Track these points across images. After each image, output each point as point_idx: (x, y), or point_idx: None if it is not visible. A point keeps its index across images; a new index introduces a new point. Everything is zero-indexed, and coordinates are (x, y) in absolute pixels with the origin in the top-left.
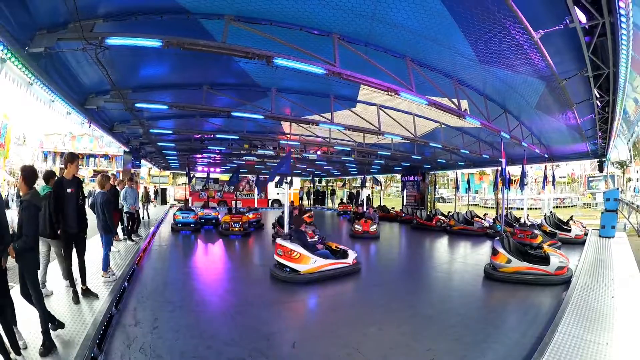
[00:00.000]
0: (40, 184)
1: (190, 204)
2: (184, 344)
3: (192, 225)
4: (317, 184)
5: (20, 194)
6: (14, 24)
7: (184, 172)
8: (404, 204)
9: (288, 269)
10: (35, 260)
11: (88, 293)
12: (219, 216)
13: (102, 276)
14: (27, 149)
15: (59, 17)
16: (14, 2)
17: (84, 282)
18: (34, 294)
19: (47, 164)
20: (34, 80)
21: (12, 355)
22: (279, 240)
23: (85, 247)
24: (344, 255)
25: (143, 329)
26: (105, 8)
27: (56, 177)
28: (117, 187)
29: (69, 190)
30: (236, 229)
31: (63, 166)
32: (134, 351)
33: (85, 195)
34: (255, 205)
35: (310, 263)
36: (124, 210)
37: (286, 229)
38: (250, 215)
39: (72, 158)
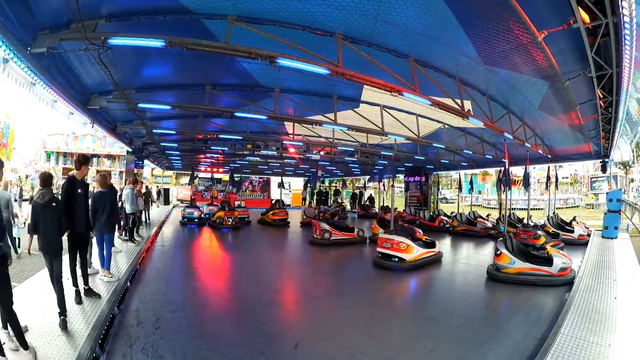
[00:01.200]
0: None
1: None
2: (186, 344)
3: (197, 220)
4: (320, 184)
5: None
6: (17, 24)
7: (187, 173)
8: (407, 204)
9: (396, 259)
10: (43, 246)
11: (90, 293)
12: None
13: (105, 275)
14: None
15: (61, 17)
16: (16, 2)
17: (86, 282)
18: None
19: (49, 164)
20: (36, 80)
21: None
22: (383, 235)
23: (87, 248)
24: (433, 245)
25: (145, 329)
26: (108, 8)
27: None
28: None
29: (79, 190)
30: (229, 223)
31: (74, 166)
32: (136, 351)
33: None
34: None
35: (414, 252)
36: (128, 211)
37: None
38: (236, 212)
39: (85, 160)
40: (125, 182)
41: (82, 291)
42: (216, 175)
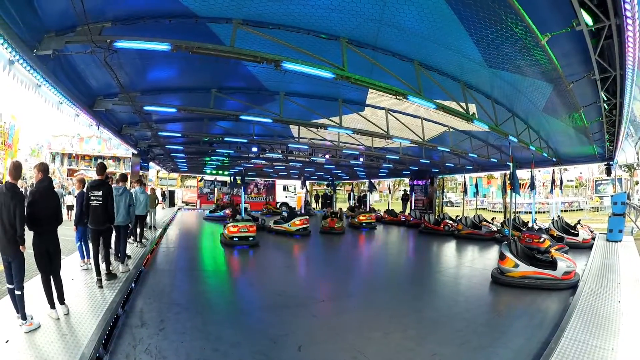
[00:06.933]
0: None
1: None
2: (189, 345)
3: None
4: (325, 187)
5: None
6: (23, 26)
7: (193, 175)
8: (412, 208)
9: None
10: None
11: (110, 276)
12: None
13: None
14: None
15: (67, 20)
16: (22, 5)
17: (107, 267)
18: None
19: (54, 165)
20: (42, 82)
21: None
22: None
23: (109, 239)
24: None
25: (149, 330)
26: (113, 11)
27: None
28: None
29: (95, 192)
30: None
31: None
32: (139, 352)
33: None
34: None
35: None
36: (136, 213)
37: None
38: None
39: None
40: (130, 183)
41: (103, 277)
42: (220, 178)
